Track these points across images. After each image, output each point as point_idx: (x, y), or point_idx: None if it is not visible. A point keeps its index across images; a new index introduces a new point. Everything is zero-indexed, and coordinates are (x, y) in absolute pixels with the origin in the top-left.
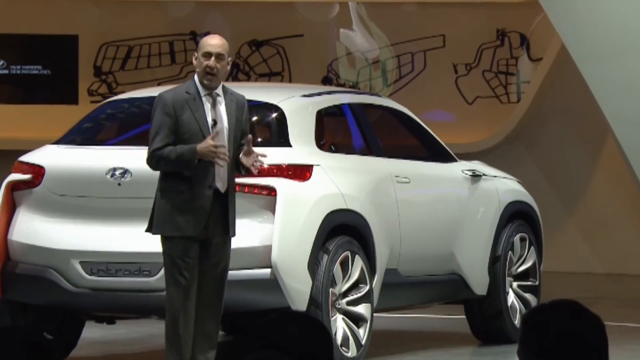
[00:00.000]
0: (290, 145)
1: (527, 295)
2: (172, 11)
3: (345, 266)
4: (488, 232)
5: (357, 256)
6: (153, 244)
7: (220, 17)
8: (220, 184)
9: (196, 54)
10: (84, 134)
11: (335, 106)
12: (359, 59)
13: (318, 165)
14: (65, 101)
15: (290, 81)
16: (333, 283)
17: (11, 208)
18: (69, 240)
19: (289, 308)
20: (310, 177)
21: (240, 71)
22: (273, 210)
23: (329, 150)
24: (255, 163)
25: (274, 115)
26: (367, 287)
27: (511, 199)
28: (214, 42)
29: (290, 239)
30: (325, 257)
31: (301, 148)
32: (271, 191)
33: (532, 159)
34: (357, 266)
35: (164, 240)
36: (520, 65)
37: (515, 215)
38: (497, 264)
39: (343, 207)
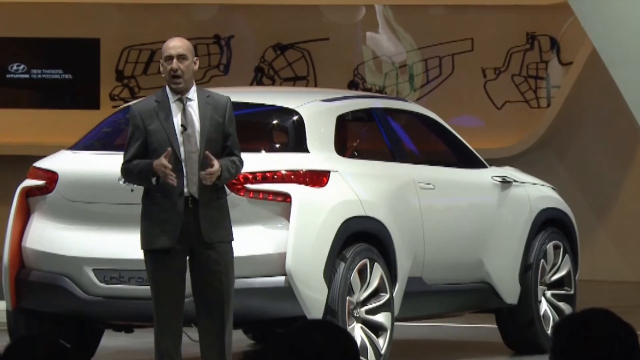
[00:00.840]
0: (307, 151)
1: (561, 304)
2: (195, 14)
3: (363, 274)
4: (519, 239)
5: (376, 264)
6: None
7: (244, 21)
8: (195, 189)
9: (160, 61)
10: (99, 139)
11: (358, 111)
12: (386, 63)
13: (336, 171)
14: (86, 106)
15: (315, 85)
16: (350, 291)
17: (26, 214)
18: (82, 247)
19: (304, 317)
20: (327, 183)
21: (265, 75)
22: (288, 217)
23: (352, 156)
24: (205, 176)
25: (292, 120)
26: (387, 296)
27: (544, 206)
28: (172, 44)
29: (305, 246)
30: (342, 264)
31: (319, 154)
32: (286, 197)
33: (562, 165)
34: (377, 274)
35: (145, 255)
36: (550, 69)
37: (549, 223)
38: (528, 272)
39: (361, 214)
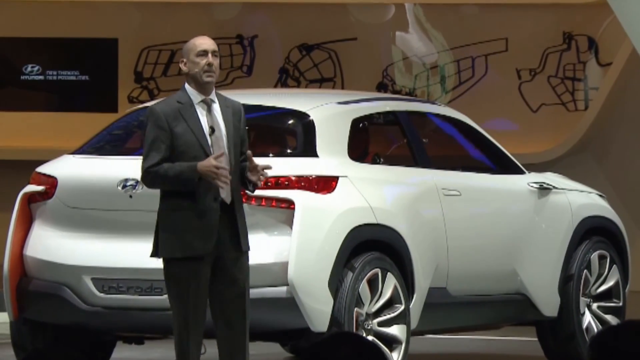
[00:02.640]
0: (316, 156)
1: (608, 317)
2: (217, 13)
3: (374, 284)
4: (558, 249)
5: (389, 274)
6: None
7: (268, 20)
8: (225, 195)
9: (184, 59)
10: (102, 143)
11: (378, 114)
12: (416, 64)
13: (345, 176)
14: (104, 109)
15: (342, 87)
16: (359, 302)
17: (27, 221)
18: (81, 255)
19: (307, 329)
20: (334, 189)
21: (290, 77)
22: (291, 225)
23: (374, 161)
24: (260, 177)
25: (302, 123)
26: (402, 307)
27: (588, 214)
28: (205, 40)
29: (309, 255)
30: (350, 274)
31: (329, 159)
32: (290, 204)
33: (601, 170)
34: (390, 284)
35: (170, 263)
36: (588, 70)
37: (593, 231)
38: (569, 283)
39: (372, 222)
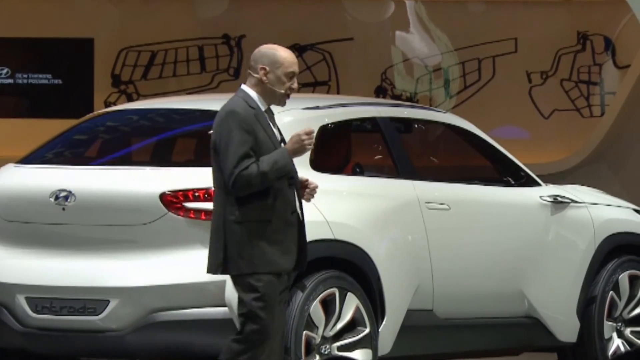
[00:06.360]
0: None
1: None
2: (202, 11)
3: (331, 305)
4: (577, 268)
5: (349, 294)
6: (99, 277)
7: (257, 18)
8: (298, 207)
9: (267, 68)
10: (51, 151)
11: (356, 121)
12: (418, 66)
13: None
14: (78, 115)
15: (337, 91)
16: (311, 325)
17: None
18: (15, 273)
19: None
20: None
21: None
22: None
23: (353, 171)
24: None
25: None
26: (367, 330)
27: (615, 231)
28: (295, 59)
29: None
30: (300, 294)
31: None
32: None
33: (618, 181)
34: (350, 305)
35: (250, 280)
36: (604, 73)
37: (623, 250)
38: (591, 306)
39: (327, 237)
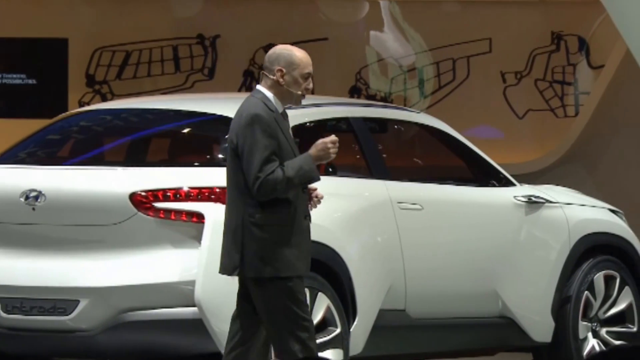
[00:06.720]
0: None
1: (619, 344)
2: (176, 11)
3: None
4: (551, 268)
5: (320, 294)
6: (69, 277)
7: (232, 18)
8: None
9: (283, 69)
10: (24, 151)
11: (327, 121)
12: (392, 67)
13: None
14: (53, 115)
15: (312, 92)
16: None
17: None
18: None
19: (218, 353)
20: None
21: (255, 80)
22: (201, 240)
23: (326, 172)
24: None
25: (226, 130)
26: (339, 330)
27: (590, 231)
28: (310, 60)
29: (219, 274)
30: None
31: None
32: (200, 217)
33: (593, 182)
34: (321, 305)
35: (278, 283)
36: (578, 73)
37: (597, 250)
38: (566, 306)
39: None
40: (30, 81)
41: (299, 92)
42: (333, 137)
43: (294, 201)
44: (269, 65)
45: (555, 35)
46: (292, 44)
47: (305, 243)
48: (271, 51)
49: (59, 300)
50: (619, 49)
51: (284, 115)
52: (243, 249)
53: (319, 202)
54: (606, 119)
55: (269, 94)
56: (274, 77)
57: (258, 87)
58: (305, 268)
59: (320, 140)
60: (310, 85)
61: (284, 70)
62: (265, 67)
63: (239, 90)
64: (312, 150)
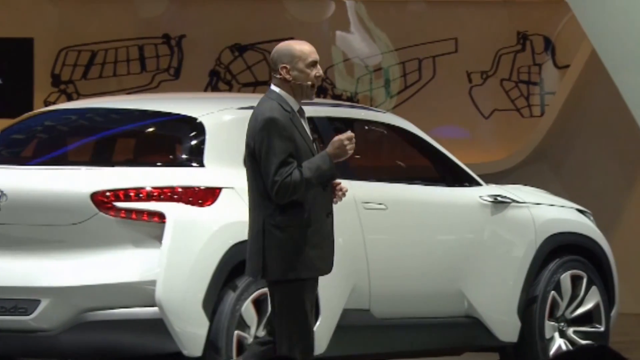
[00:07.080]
0: (203, 165)
1: (586, 344)
2: (142, 11)
3: (263, 305)
4: (517, 268)
5: None
6: (30, 277)
7: (198, 18)
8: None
9: (287, 65)
10: None
11: None
12: (358, 66)
13: (231, 188)
14: (18, 115)
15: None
16: (243, 325)
17: None
18: None
19: (179, 353)
20: (214, 202)
21: (221, 80)
22: (162, 240)
23: None
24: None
25: (191, 130)
26: None
27: (557, 230)
28: (312, 48)
29: (180, 274)
30: (231, 294)
31: (216, 169)
32: (162, 218)
33: (558, 182)
34: None
35: (292, 285)
36: (544, 73)
37: (564, 250)
38: (532, 306)
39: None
40: None
41: (308, 83)
42: (349, 134)
43: (314, 201)
44: (273, 66)
45: (521, 35)
46: (258, 43)
47: (328, 242)
48: (273, 51)
49: (21, 300)
50: (584, 49)
51: (301, 113)
52: (264, 252)
53: (343, 195)
54: (572, 119)
55: (283, 93)
56: (281, 76)
57: (272, 87)
58: (328, 268)
59: (337, 138)
60: (320, 72)
61: (288, 66)
62: (272, 68)
63: (205, 90)
64: (329, 149)
